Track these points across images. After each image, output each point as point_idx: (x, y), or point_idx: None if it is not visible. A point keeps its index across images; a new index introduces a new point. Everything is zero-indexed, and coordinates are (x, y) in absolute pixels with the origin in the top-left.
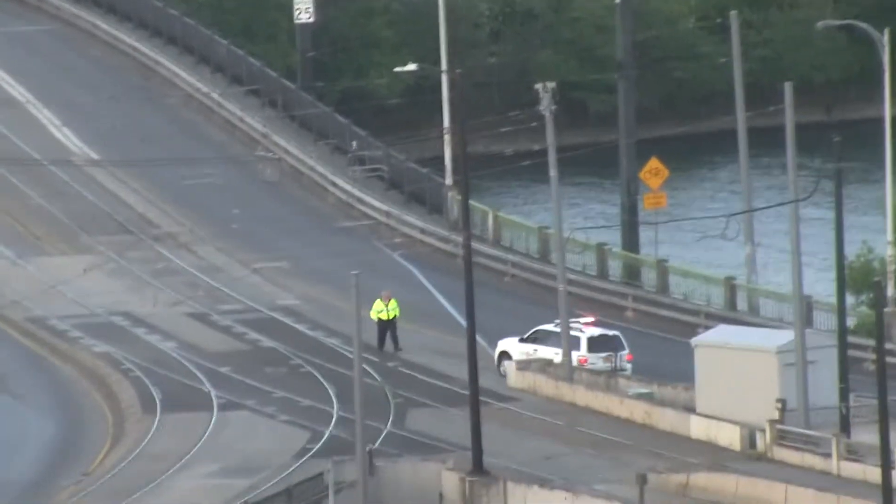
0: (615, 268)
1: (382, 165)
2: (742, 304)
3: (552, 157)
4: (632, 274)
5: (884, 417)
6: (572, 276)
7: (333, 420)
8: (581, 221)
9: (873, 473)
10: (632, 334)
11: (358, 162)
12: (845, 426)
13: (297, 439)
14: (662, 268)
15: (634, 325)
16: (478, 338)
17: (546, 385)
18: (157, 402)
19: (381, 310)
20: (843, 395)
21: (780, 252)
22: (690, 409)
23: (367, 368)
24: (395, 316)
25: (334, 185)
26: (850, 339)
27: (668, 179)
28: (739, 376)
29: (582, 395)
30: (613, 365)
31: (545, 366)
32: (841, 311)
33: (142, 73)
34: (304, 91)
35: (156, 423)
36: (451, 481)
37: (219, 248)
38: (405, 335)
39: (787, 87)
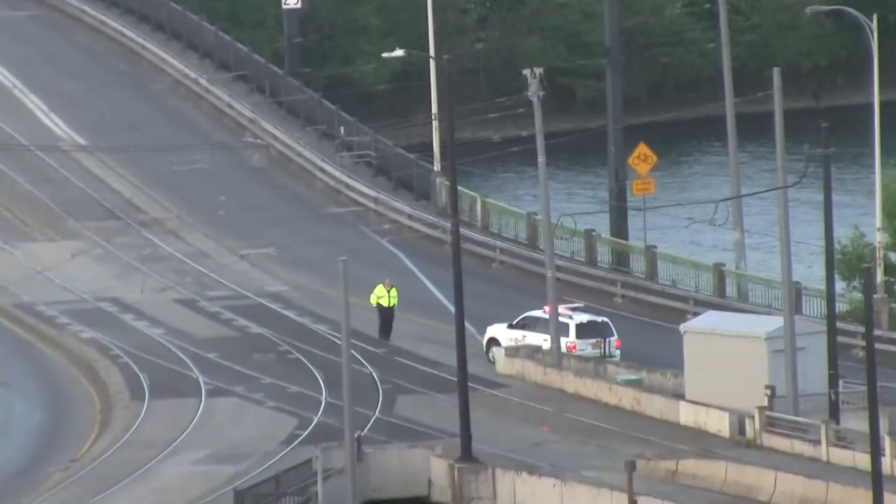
0: (604, 254)
1: (370, 151)
2: (731, 290)
3: (540, 143)
4: (620, 260)
5: (873, 404)
6: (561, 263)
7: (322, 406)
8: (569, 207)
9: (862, 460)
10: (620, 320)
11: (346, 148)
12: (834, 413)
13: (286, 426)
14: (651, 254)
15: (623, 312)
16: (466, 324)
17: (535, 371)
18: (146, 388)
19: (382, 295)
20: (833, 381)
21: (770, 237)
22: (679, 395)
23: (356, 355)
24: (394, 305)
25: (322, 171)
26: (840, 325)
27: (657, 165)
28: (728, 363)
29: (571, 382)
30: (602, 351)
31: (534, 352)
32: (830, 298)
33: (129, 58)
34: (291, 77)
35: (144, 409)
36: (439, 468)
37: (206, 235)
38: (393, 321)
39: (776, 74)
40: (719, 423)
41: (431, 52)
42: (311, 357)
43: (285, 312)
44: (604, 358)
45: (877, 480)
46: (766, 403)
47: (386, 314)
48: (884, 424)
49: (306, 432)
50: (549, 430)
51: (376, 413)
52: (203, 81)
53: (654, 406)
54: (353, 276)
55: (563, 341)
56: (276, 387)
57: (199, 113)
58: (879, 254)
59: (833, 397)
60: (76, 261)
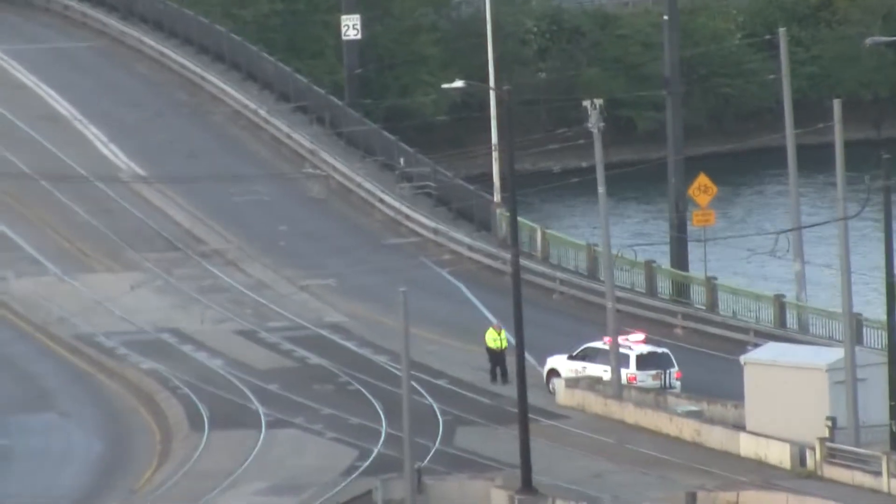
0: (664, 285)
1: (430, 182)
2: (791, 321)
3: (600, 174)
4: (680, 291)
5: None
6: (621, 294)
7: (382, 437)
8: (629, 239)
9: None
10: (681, 352)
11: (405, 179)
12: (895, 444)
13: (346, 457)
14: (711, 285)
15: (683, 343)
16: (526, 355)
17: (595, 402)
18: (205, 419)
19: (495, 338)
20: (894, 412)
21: (832, 269)
22: (740, 426)
23: (416, 386)
24: (504, 347)
25: (381, 201)
26: None
27: (717, 196)
28: (789, 394)
29: (631, 413)
30: (662, 382)
31: (594, 383)
32: (891, 329)
33: (188, 89)
34: (351, 108)
35: (204, 440)
36: (499, 499)
37: (266, 265)
38: (454, 353)
39: (836, 104)
40: (780, 455)
41: (491, 82)
42: (371, 388)
43: (345, 343)
44: (664, 389)
45: None
46: (827, 435)
47: (497, 357)
48: None
49: (366, 463)
50: (607, 461)
51: (436, 444)
52: (263, 112)
53: (715, 437)
54: (412, 307)
55: (624, 372)
56: (336, 418)
57: (258, 143)
58: None
59: (894, 429)
60: (136, 292)
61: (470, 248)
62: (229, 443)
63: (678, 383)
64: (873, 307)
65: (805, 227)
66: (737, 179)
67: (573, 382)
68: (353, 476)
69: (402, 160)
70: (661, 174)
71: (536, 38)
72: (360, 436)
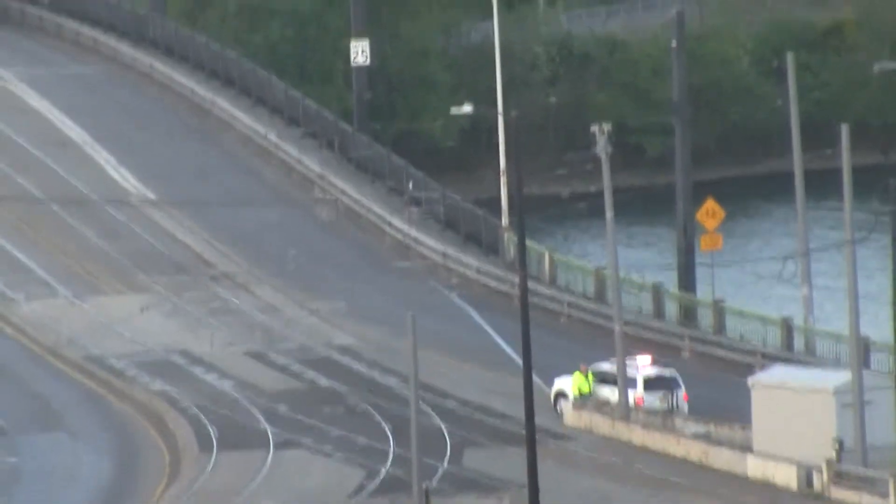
0: (671, 308)
1: (439, 206)
2: (798, 344)
3: (608, 199)
4: (688, 314)
5: None
6: (628, 317)
7: (390, 458)
8: (637, 262)
9: None
10: (688, 374)
11: (414, 203)
12: None
13: (354, 478)
14: (719, 308)
15: (691, 366)
16: (534, 377)
17: (602, 424)
18: (214, 440)
19: (583, 383)
20: None
21: (841, 293)
22: (747, 448)
23: (424, 407)
24: (587, 392)
25: (391, 225)
26: None
27: (724, 220)
28: (796, 416)
29: (638, 435)
30: (670, 404)
31: (601, 405)
32: None
33: (198, 113)
34: (360, 132)
35: (212, 461)
36: None
37: (275, 288)
38: (462, 374)
39: (844, 130)
40: (787, 477)
41: (500, 107)
42: (379, 409)
43: (354, 365)
44: (671, 411)
45: None
46: (834, 456)
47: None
48: None
49: (374, 484)
50: (614, 482)
51: (444, 465)
52: (272, 137)
53: (722, 459)
54: (421, 330)
55: (631, 394)
56: (345, 439)
57: (268, 168)
58: None
59: None
60: (145, 314)
61: (478, 271)
62: (238, 463)
63: (685, 405)
64: (880, 330)
65: (812, 251)
66: (745, 204)
67: (580, 404)
68: (361, 496)
69: (410, 184)
70: (670, 199)
71: (546, 64)
72: (369, 456)
